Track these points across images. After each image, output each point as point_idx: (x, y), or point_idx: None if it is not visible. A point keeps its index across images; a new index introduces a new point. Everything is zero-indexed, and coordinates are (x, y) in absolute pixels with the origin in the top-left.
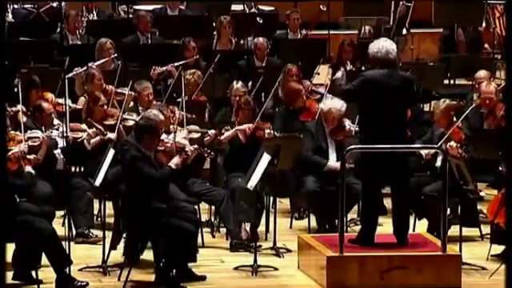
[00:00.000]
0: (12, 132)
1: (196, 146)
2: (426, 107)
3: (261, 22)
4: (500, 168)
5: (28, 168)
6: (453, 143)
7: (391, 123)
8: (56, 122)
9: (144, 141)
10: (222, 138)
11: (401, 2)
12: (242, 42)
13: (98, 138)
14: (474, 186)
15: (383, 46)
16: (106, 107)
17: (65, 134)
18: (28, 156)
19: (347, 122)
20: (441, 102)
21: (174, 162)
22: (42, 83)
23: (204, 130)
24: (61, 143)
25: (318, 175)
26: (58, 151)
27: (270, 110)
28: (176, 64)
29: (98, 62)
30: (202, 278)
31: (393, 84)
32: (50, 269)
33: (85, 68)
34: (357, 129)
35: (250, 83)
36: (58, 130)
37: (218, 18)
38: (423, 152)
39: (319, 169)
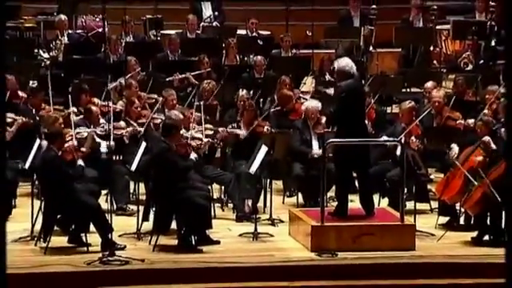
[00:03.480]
0: (65, 129)
1: (209, 139)
2: (389, 109)
3: (261, 43)
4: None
5: (80, 161)
6: (413, 138)
7: (359, 121)
8: (102, 121)
9: (170, 135)
10: (223, 134)
11: (365, 26)
12: (245, 59)
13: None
14: (425, 170)
15: (349, 62)
16: (139, 109)
17: (109, 132)
18: (80, 149)
19: (324, 118)
20: (406, 102)
21: (193, 156)
22: (90, 90)
23: (216, 128)
24: (104, 144)
25: (303, 162)
26: (103, 145)
27: (267, 111)
28: (193, 73)
29: (126, 77)
30: (217, 242)
31: (359, 91)
32: (96, 235)
33: (117, 82)
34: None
35: (251, 91)
36: (103, 127)
37: (227, 40)
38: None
39: (304, 156)
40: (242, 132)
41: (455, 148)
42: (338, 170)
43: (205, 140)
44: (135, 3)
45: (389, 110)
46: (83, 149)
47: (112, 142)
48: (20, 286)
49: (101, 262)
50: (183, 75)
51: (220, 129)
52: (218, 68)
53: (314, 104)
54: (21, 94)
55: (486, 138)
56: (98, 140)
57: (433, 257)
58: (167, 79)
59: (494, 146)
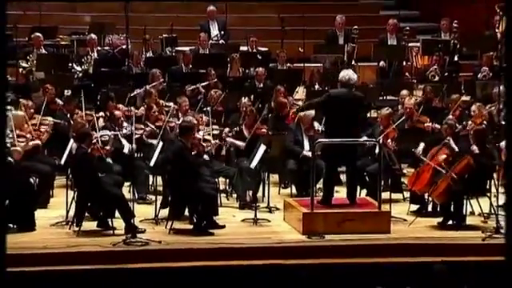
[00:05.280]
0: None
1: (217, 141)
2: (369, 114)
3: (260, 58)
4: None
5: (109, 159)
6: (390, 141)
7: (345, 124)
8: (125, 124)
9: (186, 135)
10: (228, 140)
11: (348, 44)
12: (247, 71)
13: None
14: (399, 166)
15: (347, 74)
16: (157, 114)
17: (132, 133)
18: (105, 147)
19: (316, 124)
20: (385, 109)
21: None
22: (116, 97)
23: (221, 128)
24: (126, 144)
25: (296, 159)
26: (126, 146)
27: (265, 115)
28: (202, 84)
29: (152, 85)
30: (223, 227)
31: (348, 99)
32: (120, 220)
33: (143, 89)
34: (322, 128)
35: (252, 97)
36: (126, 129)
37: (231, 55)
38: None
39: (296, 155)
40: (242, 144)
41: (421, 146)
42: (325, 165)
43: (213, 142)
44: (154, 24)
45: (368, 114)
46: (107, 147)
47: (134, 145)
48: (56, 263)
49: (124, 243)
50: (194, 86)
51: (226, 129)
52: (223, 79)
53: (308, 112)
54: (57, 101)
55: (450, 140)
56: (122, 141)
57: (405, 239)
58: (186, 88)
59: (455, 147)
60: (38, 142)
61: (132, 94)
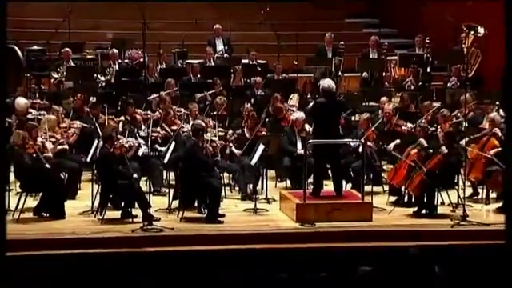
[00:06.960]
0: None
1: (222, 142)
2: (353, 118)
3: (259, 69)
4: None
5: (134, 164)
6: (369, 143)
7: (329, 127)
8: (143, 127)
9: (198, 135)
10: (230, 145)
11: (336, 57)
12: (248, 80)
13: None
14: (380, 163)
15: (328, 83)
16: (172, 118)
17: (149, 134)
18: (124, 146)
19: (307, 126)
20: (363, 114)
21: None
22: (134, 103)
23: (226, 131)
24: (143, 146)
25: (291, 157)
26: (141, 148)
27: (264, 119)
28: (209, 92)
29: (167, 91)
30: (223, 215)
31: (331, 106)
32: (138, 210)
33: (158, 95)
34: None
35: (251, 101)
36: (144, 131)
37: (234, 67)
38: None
39: (291, 153)
40: (239, 152)
41: (392, 143)
42: (314, 162)
43: (218, 142)
44: (167, 40)
45: (353, 118)
46: (126, 145)
47: (147, 150)
48: (83, 246)
49: (142, 229)
50: (202, 94)
51: (229, 131)
52: (227, 87)
53: (300, 115)
54: (84, 107)
55: (422, 140)
56: (141, 142)
57: (385, 226)
58: (197, 96)
59: (426, 144)
60: (65, 146)
61: (149, 98)
